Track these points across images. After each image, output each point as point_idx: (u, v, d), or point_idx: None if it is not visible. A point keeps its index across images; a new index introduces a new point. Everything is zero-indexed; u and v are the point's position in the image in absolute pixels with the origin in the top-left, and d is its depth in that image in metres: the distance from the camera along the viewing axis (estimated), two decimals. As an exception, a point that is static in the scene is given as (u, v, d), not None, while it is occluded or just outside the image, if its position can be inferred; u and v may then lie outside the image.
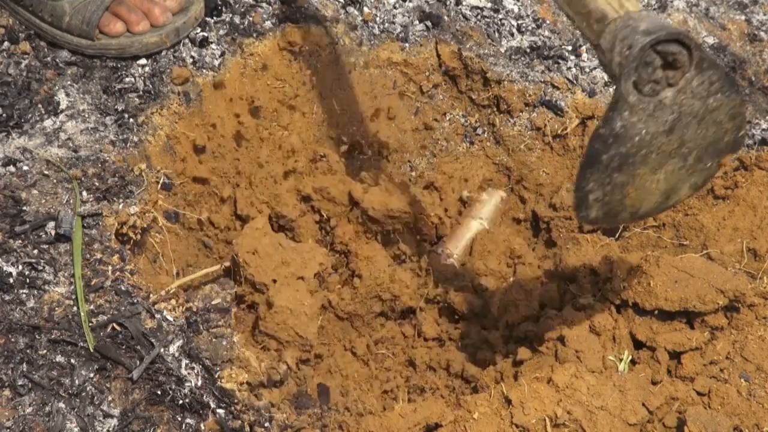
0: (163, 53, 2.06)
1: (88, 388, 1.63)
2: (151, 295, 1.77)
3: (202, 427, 1.64)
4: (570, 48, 2.28)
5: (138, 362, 1.66)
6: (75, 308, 1.71)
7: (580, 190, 1.49)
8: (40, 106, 1.95)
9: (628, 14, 1.46)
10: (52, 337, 1.67)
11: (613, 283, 1.89)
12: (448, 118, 2.32)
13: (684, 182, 1.55)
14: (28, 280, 1.72)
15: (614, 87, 1.46)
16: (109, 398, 1.62)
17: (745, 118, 1.53)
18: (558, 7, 1.64)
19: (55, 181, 1.85)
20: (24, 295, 1.71)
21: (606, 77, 2.23)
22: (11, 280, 1.72)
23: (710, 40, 2.27)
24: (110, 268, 1.77)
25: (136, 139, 1.95)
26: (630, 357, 1.84)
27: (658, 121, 1.47)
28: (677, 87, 1.45)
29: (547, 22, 2.32)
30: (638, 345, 1.89)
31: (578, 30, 1.59)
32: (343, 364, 1.96)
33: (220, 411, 1.66)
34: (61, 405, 1.60)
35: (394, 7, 2.27)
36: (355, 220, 2.08)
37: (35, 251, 1.76)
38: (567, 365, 1.75)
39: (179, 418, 1.64)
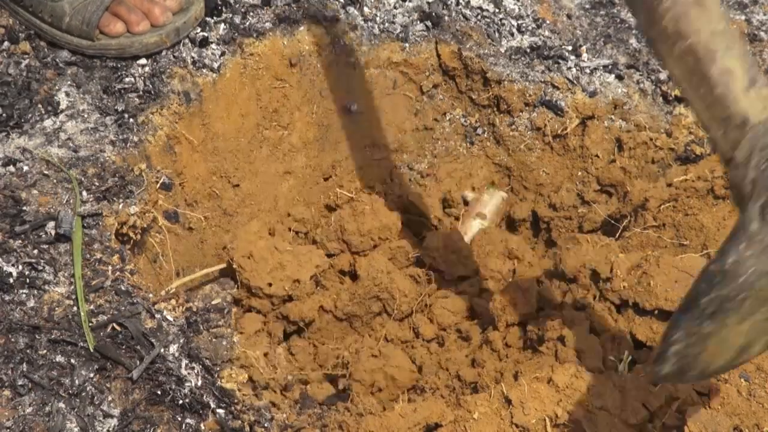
0: (163, 53, 2.06)
1: (88, 388, 1.63)
2: (151, 295, 1.77)
3: (202, 427, 1.64)
4: (570, 48, 2.28)
5: (138, 362, 1.66)
6: (75, 308, 1.71)
7: (666, 340, 1.34)
8: (40, 106, 1.95)
9: None
10: (52, 337, 1.67)
11: (613, 283, 1.89)
12: (448, 118, 2.32)
13: (762, 336, 1.35)
14: (28, 280, 1.72)
15: (738, 213, 1.29)
16: (109, 398, 1.62)
17: None
18: (694, 113, 1.39)
19: (55, 181, 1.85)
20: (24, 295, 1.71)
21: (599, 82, 2.23)
22: (11, 280, 1.72)
23: (710, 40, 2.27)
24: (110, 268, 1.77)
25: (136, 139, 1.95)
26: (630, 357, 1.84)
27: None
28: None
29: (547, 22, 2.32)
30: (638, 345, 1.89)
31: (711, 143, 1.42)
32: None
33: (220, 411, 1.66)
34: (61, 405, 1.60)
35: (394, 7, 2.27)
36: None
37: (35, 251, 1.76)
38: (567, 365, 1.75)
39: (179, 418, 1.64)
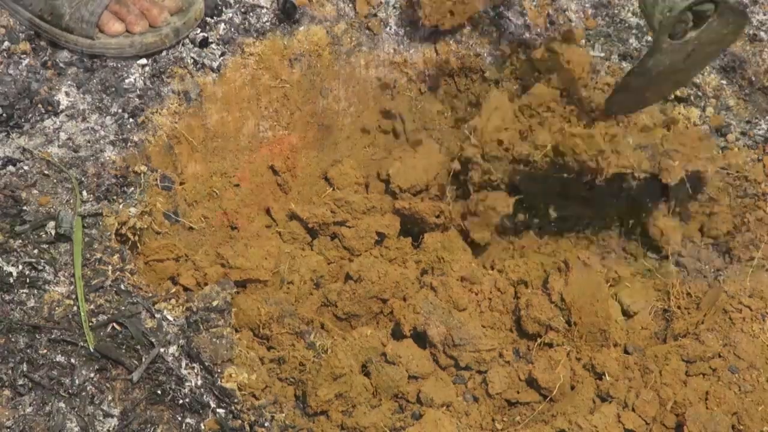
0: (164, 53, 2.06)
1: (88, 388, 1.63)
2: (151, 295, 1.77)
3: (202, 427, 1.64)
4: (570, 48, 2.28)
5: (138, 362, 1.66)
6: (75, 308, 1.71)
7: (610, 106, 2.00)
8: (40, 106, 1.95)
9: None
10: (53, 336, 1.67)
11: None
12: (447, 118, 2.32)
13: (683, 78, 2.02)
14: (28, 280, 1.73)
15: (651, 34, 1.86)
16: (109, 398, 1.63)
17: (742, 29, 1.89)
18: None
19: (55, 181, 1.85)
20: (24, 295, 1.71)
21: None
22: (11, 280, 1.72)
23: (710, 40, 2.27)
24: (110, 267, 1.77)
25: (136, 139, 1.96)
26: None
27: (680, 53, 1.83)
28: (700, 28, 1.79)
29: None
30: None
31: None
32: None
33: (220, 411, 1.66)
34: (62, 404, 1.60)
35: (393, 7, 2.27)
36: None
37: (35, 251, 1.76)
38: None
39: (179, 418, 1.64)
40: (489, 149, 2.05)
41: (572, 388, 1.82)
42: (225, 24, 2.14)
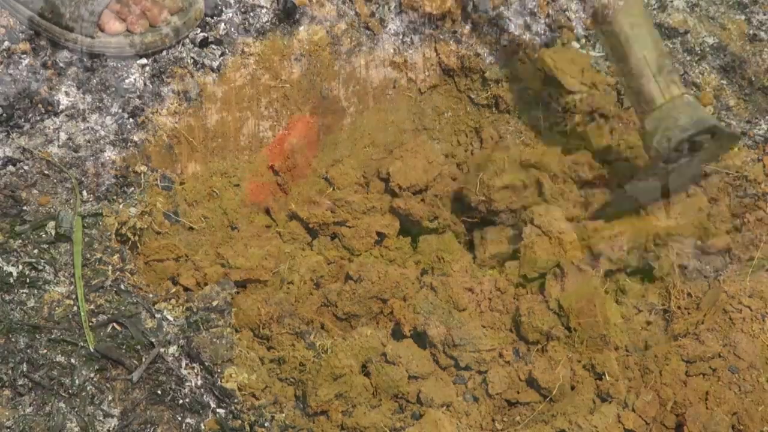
0: (164, 53, 2.06)
1: (88, 388, 1.63)
2: (151, 295, 1.77)
3: (202, 427, 1.64)
4: (570, 48, 2.28)
5: (138, 362, 1.66)
6: (75, 308, 1.71)
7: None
8: (40, 106, 1.95)
9: (673, 102, 1.81)
10: (53, 336, 1.67)
11: None
12: (447, 118, 2.32)
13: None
14: (28, 280, 1.73)
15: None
16: (110, 398, 1.63)
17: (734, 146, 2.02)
18: (617, 75, 2.03)
19: (55, 181, 1.85)
20: (24, 295, 1.71)
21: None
22: (11, 280, 1.72)
23: (710, 40, 2.27)
24: (110, 267, 1.78)
25: (136, 139, 1.96)
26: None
27: (668, 173, 1.89)
28: (695, 154, 1.84)
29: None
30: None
31: (629, 101, 1.97)
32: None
33: (220, 411, 1.67)
34: (62, 405, 1.61)
35: (393, 7, 2.27)
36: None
37: (35, 251, 1.76)
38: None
39: (179, 418, 1.64)
40: (496, 204, 2.06)
41: (572, 388, 1.82)
42: (225, 24, 2.14)
